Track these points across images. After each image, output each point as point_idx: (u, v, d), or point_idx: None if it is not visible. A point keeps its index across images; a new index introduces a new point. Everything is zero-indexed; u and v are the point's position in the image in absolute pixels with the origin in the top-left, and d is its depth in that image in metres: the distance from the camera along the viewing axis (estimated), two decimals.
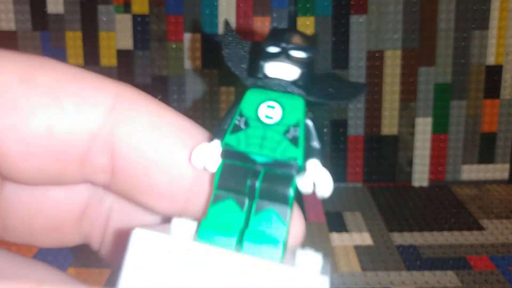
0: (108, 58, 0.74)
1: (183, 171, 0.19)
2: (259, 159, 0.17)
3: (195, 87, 0.74)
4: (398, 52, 0.73)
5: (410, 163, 0.75)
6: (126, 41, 0.73)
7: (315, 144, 0.18)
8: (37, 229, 0.20)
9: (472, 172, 0.75)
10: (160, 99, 0.20)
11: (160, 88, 0.74)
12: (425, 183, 0.75)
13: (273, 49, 0.17)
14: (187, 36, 0.73)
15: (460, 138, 0.75)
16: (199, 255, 0.15)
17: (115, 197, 0.21)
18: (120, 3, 0.72)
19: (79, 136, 0.18)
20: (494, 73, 0.73)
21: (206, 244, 0.15)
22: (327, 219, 0.66)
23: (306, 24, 0.72)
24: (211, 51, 0.73)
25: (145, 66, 0.73)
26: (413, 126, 0.74)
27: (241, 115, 0.18)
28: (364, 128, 0.74)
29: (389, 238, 0.61)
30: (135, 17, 0.73)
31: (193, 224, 0.17)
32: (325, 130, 0.74)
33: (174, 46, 0.73)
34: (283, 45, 0.17)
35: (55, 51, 0.74)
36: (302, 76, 0.18)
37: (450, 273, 0.54)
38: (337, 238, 0.61)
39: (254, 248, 0.16)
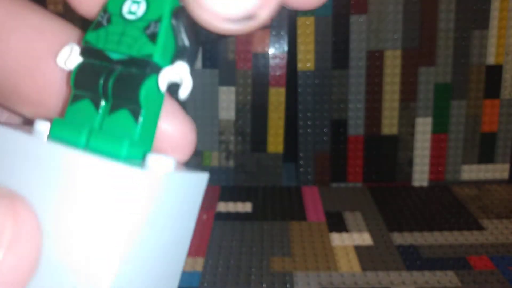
0: None
1: (51, 77, 0.18)
2: (116, 56, 0.16)
3: (195, 87, 0.74)
4: (398, 52, 0.73)
5: (410, 163, 0.75)
6: None
7: (184, 43, 0.16)
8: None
9: (472, 172, 0.75)
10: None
11: None
12: (425, 183, 0.75)
13: None
14: None
15: (460, 138, 0.75)
16: (39, 152, 0.15)
17: None
18: None
19: None
20: (494, 73, 0.73)
21: (54, 142, 0.15)
22: (327, 219, 0.66)
23: (306, 24, 0.72)
24: (211, 51, 0.73)
25: None
26: (413, 126, 0.74)
27: (105, 11, 0.17)
28: (364, 128, 0.74)
29: (389, 238, 0.61)
30: None
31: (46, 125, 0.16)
32: (325, 130, 0.74)
33: None
34: None
35: None
36: None
37: (450, 273, 0.54)
38: (337, 238, 0.61)
39: (99, 147, 0.16)
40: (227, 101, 0.74)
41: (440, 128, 0.74)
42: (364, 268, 0.55)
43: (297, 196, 0.72)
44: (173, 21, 0.16)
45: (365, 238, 0.61)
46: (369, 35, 0.72)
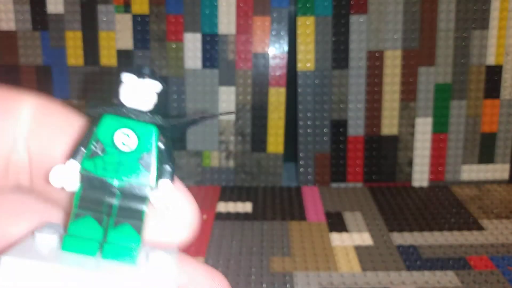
0: (108, 58, 0.74)
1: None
2: (116, 183, 0.19)
3: (195, 87, 0.74)
4: (398, 52, 0.73)
5: (410, 163, 0.75)
6: (126, 41, 0.73)
7: (166, 166, 0.20)
8: None
9: (472, 172, 0.75)
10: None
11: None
12: (425, 183, 0.75)
13: (129, 78, 0.20)
14: (187, 36, 0.73)
15: (460, 138, 0.75)
16: (61, 277, 0.17)
17: None
18: (120, 3, 0.72)
19: (4, 142, 0.20)
20: (494, 73, 0.73)
21: (70, 255, 0.18)
22: (327, 219, 0.66)
23: (306, 24, 0.72)
24: (211, 51, 0.73)
25: (145, 66, 0.73)
26: (413, 126, 0.74)
27: (97, 141, 0.19)
28: (364, 128, 0.74)
29: (389, 238, 0.61)
30: (135, 17, 0.73)
31: (55, 238, 0.19)
32: (325, 130, 0.74)
33: (174, 46, 0.73)
34: (139, 75, 0.20)
35: (55, 51, 0.74)
36: (156, 107, 0.20)
37: (450, 273, 0.54)
38: (337, 238, 0.61)
39: (111, 257, 0.19)
40: (227, 101, 0.74)
41: (440, 128, 0.74)
42: (364, 268, 0.55)
43: (297, 196, 0.72)
44: (159, 146, 0.20)
45: (365, 238, 0.61)
46: (369, 35, 0.72)
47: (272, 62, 0.73)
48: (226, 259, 0.57)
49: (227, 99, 0.74)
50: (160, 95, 0.20)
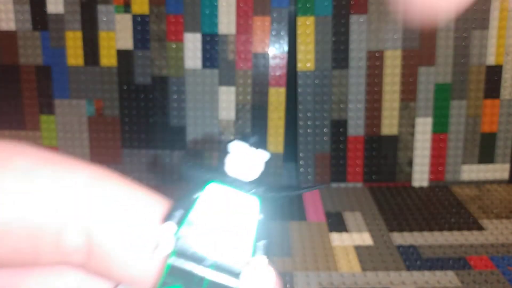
0: (108, 58, 0.74)
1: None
2: (211, 254, 0.18)
3: (195, 87, 0.74)
4: (398, 52, 0.73)
5: (410, 163, 0.75)
6: (126, 41, 0.73)
7: (262, 241, 0.19)
8: None
9: (472, 172, 0.75)
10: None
11: (160, 88, 0.74)
12: (425, 183, 0.75)
13: (238, 148, 0.19)
14: (187, 36, 0.73)
15: (460, 138, 0.75)
16: None
17: None
18: (120, 3, 0.72)
19: (53, 220, 0.18)
20: (494, 73, 0.73)
21: None
22: (327, 219, 0.66)
23: (306, 24, 0.72)
24: (211, 51, 0.73)
25: (145, 66, 0.73)
26: (413, 126, 0.74)
27: (198, 208, 0.19)
28: (364, 128, 0.74)
29: (389, 238, 0.61)
30: (135, 17, 0.73)
31: None
32: (325, 130, 0.74)
33: (174, 46, 0.73)
34: (251, 144, 0.19)
35: (55, 51, 0.74)
36: (259, 176, 0.19)
37: (450, 273, 0.54)
38: (337, 238, 0.61)
39: None
40: (227, 101, 0.74)
41: (440, 128, 0.74)
42: (364, 268, 0.55)
43: (297, 196, 0.72)
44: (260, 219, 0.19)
45: (365, 238, 0.61)
46: (369, 35, 0.72)
47: (272, 62, 0.73)
48: None
49: (227, 99, 0.74)
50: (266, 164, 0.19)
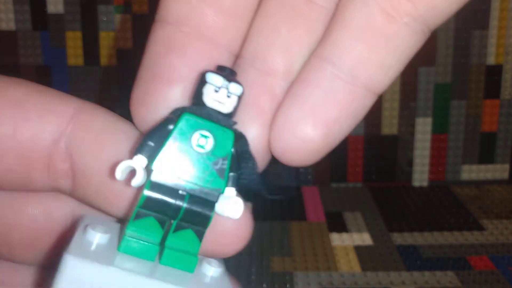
0: (108, 58, 0.74)
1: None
2: (186, 185, 0.19)
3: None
4: None
5: (410, 163, 0.75)
6: (126, 41, 0.73)
7: (234, 174, 0.20)
8: (14, 243, 0.22)
9: (472, 172, 0.75)
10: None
11: None
12: (425, 183, 0.75)
13: (215, 80, 0.19)
14: None
15: (460, 138, 0.75)
16: (118, 281, 0.17)
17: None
18: (120, 3, 0.72)
19: (42, 141, 0.20)
20: (494, 73, 0.73)
21: (127, 258, 0.18)
22: (327, 219, 0.66)
23: None
24: None
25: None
26: (413, 126, 0.74)
27: (174, 139, 0.19)
28: (364, 128, 0.74)
29: (389, 238, 0.61)
30: (135, 17, 0.73)
31: (113, 239, 0.19)
32: None
33: None
34: (225, 77, 0.19)
35: (55, 51, 0.74)
36: (235, 111, 0.20)
37: (450, 273, 0.54)
38: (337, 238, 0.61)
39: (170, 264, 0.19)
40: None
41: (440, 128, 0.74)
42: (364, 268, 0.55)
43: (297, 196, 0.72)
44: (233, 153, 0.19)
45: (365, 238, 0.61)
46: None
47: None
48: (226, 259, 0.57)
49: None
50: (240, 99, 0.20)
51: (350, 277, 0.54)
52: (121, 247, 0.18)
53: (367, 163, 0.75)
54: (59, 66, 0.74)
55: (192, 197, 0.19)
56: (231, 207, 0.19)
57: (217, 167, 0.19)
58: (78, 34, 0.73)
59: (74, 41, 0.73)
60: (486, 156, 0.75)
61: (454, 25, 0.72)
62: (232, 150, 0.19)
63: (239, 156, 0.20)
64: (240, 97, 0.20)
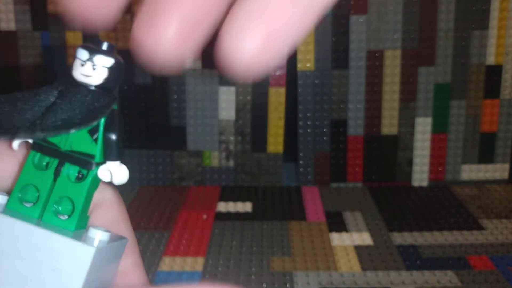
0: None
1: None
2: (64, 147, 0.20)
3: (195, 87, 0.74)
4: (398, 52, 0.73)
5: (410, 163, 0.75)
6: (126, 41, 0.73)
7: (111, 137, 0.20)
8: None
9: (472, 172, 0.76)
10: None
11: (160, 88, 0.74)
12: (425, 183, 0.75)
13: (81, 54, 0.20)
14: None
15: (460, 138, 0.75)
16: (5, 227, 0.19)
17: None
18: None
19: None
20: (494, 73, 0.73)
21: (12, 214, 0.20)
22: (327, 219, 0.66)
23: None
24: (211, 51, 0.73)
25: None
26: (413, 126, 0.74)
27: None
28: (364, 128, 0.74)
29: (389, 238, 0.61)
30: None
31: (4, 198, 0.20)
32: (325, 130, 0.74)
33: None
34: (91, 51, 0.20)
35: (55, 51, 0.74)
36: (109, 81, 0.20)
37: (450, 273, 0.54)
38: (337, 238, 0.61)
39: (51, 222, 0.20)
40: (227, 101, 0.74)
41: (440, 128, 0.74)
42: (364, 268, 0.55)
43: (297, 196, 0.72)
44: (106, 126, 0.20)
45: (365, 238, 0.61)
46: (369, 35, 0.72)
47: None
48: (226, 258, 0.57)
49: (227, 99, 0.74)
50: (116, 70, 0.21)
51: (350, 276, 0.54)
52: (9, 204, 0.20)
53: (367, 163, 0.75)
54: (59, 66, 0.74)
55: (70, 160, 0.20)
56: (116, 175, 0.20)
57: (91, 133, 0.20)
58: (78, 34, 0.73)
59: (74, 41, 0.74)
60: (486, 156, 0.75)
61: (454, 25, 0.72)
62: (108, 121, 0.20)
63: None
64: (111, 68, 0.20)
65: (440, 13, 0.72)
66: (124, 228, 0.23)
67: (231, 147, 0.75)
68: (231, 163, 0.76)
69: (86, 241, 0.19)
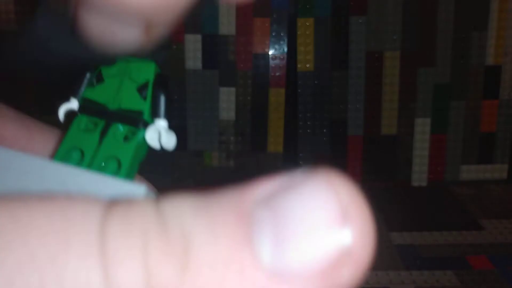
0: None
1: None
2: (113, 106, 0.20)
3: (195, 87, 0.74)
4: (398, 53, 0.73)
5: (409, 163, 0.75)
6: None
7: (160, 95, 0.20)
8: None
9: (471, 172, 0.76)
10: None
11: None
12: (424, 183, 0.76)
13: None
14: (187, 36, 0.73)
15: (459, 138, 0.75)
16: (46, 171, 0.18)
17: None
18: None
19: None
20: (493, 74, 0.74)
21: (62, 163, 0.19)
22: None
23: (306, 25, 0.73)
24: (212, 52, 0.73)
25: None
26: (412, 126, 0.75)
27: (100, 74, 0.20)
28: (364, 128, 0.75)
29: (388, 237, 0.61)
30: None
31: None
32: (324, 130, 0.75)
33: (174, 46, 0.73)
34: None
35: None
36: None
37: (449, 273, 0.54)
38: None
39: (99, 168, 0.19)
40: (227, 102, 0.74)
41: (439, 128, 0.75)
42: None
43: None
44: (155, 85, 0.20)
45: None
46: (368, 36, 0.73)
47: (272, 63, 0.73)
48: None
49: (227, 99, 0.74)
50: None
51: None
52: (58, 153, 0.20)
53: (366, 163, 0.75)
54: None
55: (120, 119, 0.20)
56: (164, 137, 0.20)
57: (141, 91, 0.20)
58: None
59: None
60: (485, 156, 0.75)
61: (453, 26, 0.72)
62: (157, 80, 0.20)
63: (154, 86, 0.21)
64: None
65: (440, 14, 0.72)
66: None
67: (231, 147, 0.75)
68: (231, 163, 0.76)
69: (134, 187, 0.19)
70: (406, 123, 0.75)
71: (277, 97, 0.74)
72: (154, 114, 0.20)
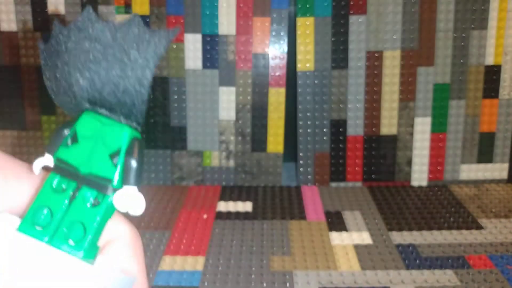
0: None
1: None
2: (84, 170, 0.20)
3: (195, 87, 0.74)
4: (397, 52, 0.73)
5: (409, 162, 0.75)
6: None
7: (132, 162, 0.20)
8: None
9: (471, 171, 0.76)
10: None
11: (160, 88, 0.74)
12: (424, 183, 0.76)
13: None
14: (187, 37, 0.73)
15: (459, 138, 0.75)
16: (14, 244, 0.19)
17: None
18: (121, 4, 0.73)
19: None
20: (492, 73, 0.74)
21: (23, 236, 0.20)
22: (326, 219, 0.66)
23: (306, 24, 0.73)
24: (211, 52, 0.73)
25: None
26: (412, 126, 0.75)
27: (75, 134, 0.21)
28: (364, 128, 0.75)
29: (388, 237, 0.61)
30: None
31: (17, 220, 0.20)
32: (324, 130, 0.75)
33: (174, 46, 0.73)
34: None
35: None
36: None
37: (449, 272, 0.54)
38: (336, 237, 0.61)
39: (59, 246, 0.20)
40: (227, 101, 0.74)
41: (439, 128, 0.75)
42: (363, 267, 0.55)
43: (297, 196, 0.73)
44: (128, 152, 0.20)
45: (364, 237, 0.61)
46: (368, 36, 0.73)
47: (272, 63, 0.73)
48: (227, 258, 0.57)
49: (227, 99, 0.74)
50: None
51: (350, 276, 0.54)
52: (20, 227, 0.20)
53: (366, 163, 0.76)
54: None
55: (89, 184, 0.20)
56: (132, 203, 0.20)
57: (113, 158, 0.20)
58: None
59: None
60: (485, 155, 0.75)
61: (453, 25, 0.73)
62: (130, 147, 0.21)
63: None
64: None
65: (439, 14, 0.72)
66: (135, 266, 0.22)
67: (231, 147, 0.75)
68: (231, 163, 0.76)
69: (90, 274, 0.19)
70: (406, 122, 0.75)
71: (277, 97, 0.74)
72: (124, 181, 0.20)
